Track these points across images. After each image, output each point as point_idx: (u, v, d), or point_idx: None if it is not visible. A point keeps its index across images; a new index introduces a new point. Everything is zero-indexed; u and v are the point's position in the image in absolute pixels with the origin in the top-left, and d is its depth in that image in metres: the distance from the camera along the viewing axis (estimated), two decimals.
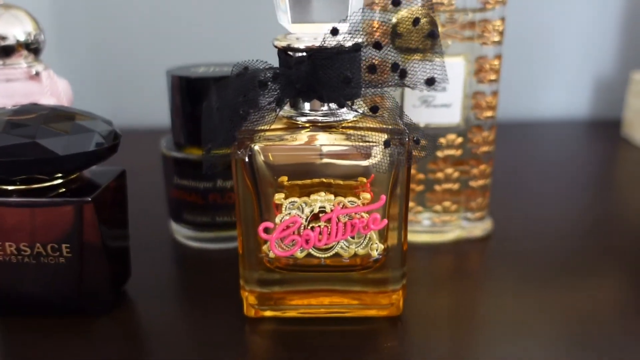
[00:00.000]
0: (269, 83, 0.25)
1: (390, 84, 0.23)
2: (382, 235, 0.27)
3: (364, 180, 0.27)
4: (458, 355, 0.27)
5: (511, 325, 0.28)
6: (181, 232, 0.37)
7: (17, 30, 0.34)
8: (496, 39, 0.33)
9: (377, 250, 0.27)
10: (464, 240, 0.37)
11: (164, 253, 0.36)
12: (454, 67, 0.33)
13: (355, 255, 0.27)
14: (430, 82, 0.23)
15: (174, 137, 0.37)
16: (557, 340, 0.27)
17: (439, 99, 0.34)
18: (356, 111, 0.25)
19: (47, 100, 0.35)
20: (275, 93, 0.25)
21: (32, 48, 0.35)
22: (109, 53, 0.63)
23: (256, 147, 0.26)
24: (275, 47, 0.26)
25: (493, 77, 0.34)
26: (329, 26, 0.24)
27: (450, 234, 0.37)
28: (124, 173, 0.30)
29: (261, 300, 0.29)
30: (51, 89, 0.35)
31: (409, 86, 0.23)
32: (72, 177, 0.28)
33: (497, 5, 0.33)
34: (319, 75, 0.25)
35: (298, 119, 0.27)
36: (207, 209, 0.36)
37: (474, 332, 0.28)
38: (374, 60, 0.24)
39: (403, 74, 0.23)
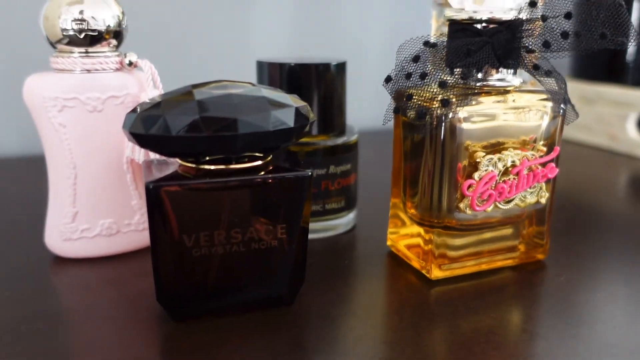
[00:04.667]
0: (476, 50, 0.28)
1: (587, 47, 0.28)
2: (547, 184, 0.31)
3: (526, 139, 0.31)
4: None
5: None
6: None
7: (106, 14, 0.31)
8: None
9: (544, 197, 0.31)
10: None
11: None
12: None
13: (529, 204, 0.31)
14: (621, 42, 0.28)
15: None
16: None
17: None
18: (544, 72, 0.29)
19: (152, 93, 0.31)
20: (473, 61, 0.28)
21: (120, 36, 0.32)
22: None
23: (455, 114, 0.28)
24: (456, 21, 0.29)
25: None
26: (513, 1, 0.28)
27: None
28: (296, 154, 0.30)
29: (449, 261, 0.30)
30: (154, 81, 0.32)
31: (610, 46, 0.28)
32: (268, 158, 0.27)
33: None
34: (517, 43, 0.28)
35: (474, 84, 0.29)
36: (318, 197, 0.36)
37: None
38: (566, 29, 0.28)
39: (604, 35, 0.28)
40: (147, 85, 0.32)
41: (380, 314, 0.28)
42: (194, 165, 0.25)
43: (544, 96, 0.30)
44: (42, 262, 0.32)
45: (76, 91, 0.30)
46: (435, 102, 0.28)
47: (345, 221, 0.38)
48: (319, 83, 0.35)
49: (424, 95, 0.28)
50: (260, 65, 0.36)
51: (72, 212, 0.32)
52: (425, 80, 0.29)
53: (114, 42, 0.31)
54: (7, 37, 0.55)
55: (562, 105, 0.30)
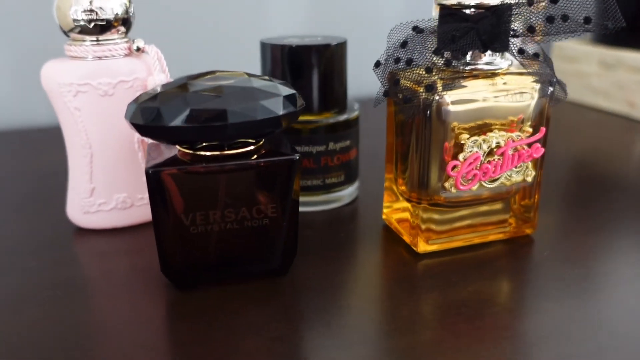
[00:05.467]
0: (460, 36, 0.29)
1: (572, 31, 0.29)
2: (534, 164, 0.33)
3: (514, 119, 0.32)
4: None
5: None
6: None
7: (114, 3, 0.33)
8: None
9: (531, 176, 0.32)
10: None
11: None
12: None
13: (515, 183, 0.32)
14: (605, 26, 0.28)
15: None
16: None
17: None
18: (530, 55, 0.30)
19: (158, 76, 0.33)
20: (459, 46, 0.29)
21: (128, 23, 0.34)
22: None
23: (445, 96, 0.29)
24: (445, 5, 0.30)
25: None
26: None
27: None
28: (288, 136, 0.31)
29: (436, 235, 0.32)
30: (161, 65, 0.34)
31: (591, 30, 0.29)
32: (261, 142, 0.29)
33: None
34: (502, 28, 0.29)
35: (462, 68, 0.30)
36: (318, 172, 0.38)
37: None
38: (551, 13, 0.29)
39: (588, 20, 0.28)
40: (154, 70, 0.34)
41: (366, 286, 0.30)
42: (190, 151, 0.27)
43: (533, 78, 0.31)
44: (66, 233, 0.36)
45: (89, 77, 0.32)
46: (421, 87, 0.29)
47: (346, 194, 0.40)
48: (319, 63, 0.37)
49: (412, 79, 0.30)
50: (264, 46, 0.37)
51: (90, 187, 0.35)
52: (412, 66, 0.30)
53: (122, 29, 0.33)
54: (36, 14, 0.57)
55: (549, 87, 0.31)
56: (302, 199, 0.38)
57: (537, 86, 0.31)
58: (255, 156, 0.28)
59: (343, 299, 0.29)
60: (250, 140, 0.28)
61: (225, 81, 0.27)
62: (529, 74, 0.31)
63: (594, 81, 0.65)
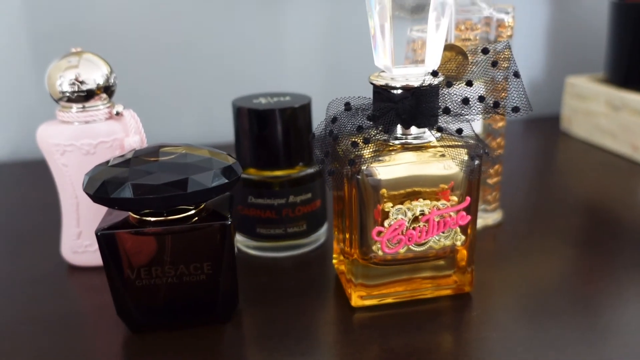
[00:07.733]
0: (380, 116, 0.31)
1: (486, 112, 0.31)
2: (463, 229, 0.35)
3: (445, 186, 0.34)
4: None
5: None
6: (248, 244, 0.42)
7: (97, 74, 0.38)
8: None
9: (460, 240, 0.34)
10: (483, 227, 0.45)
11: (242, 264, 0.41)
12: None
13: (444, 246, 0.34)
14: (515, 110, 0.30)
15: (240, 160, 0.42)
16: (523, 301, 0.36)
17: None
18: (453, 133, 0.32)
19: (133, 138, 0.38)
20: (381, 123, 0.32)
21: (110, 90, 0.39)
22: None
23: (369, 168, 0.32)
24: (375, 85, 0.33)
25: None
26: (425, 69, 0.31)
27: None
28: (232, 197, 0.35)
29: (367, 291, 0.35)
30: (135, 127, 0.38)
31: (500, 114, 0.31)
32: (201, 206, 0.33)
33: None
34: (421, 108, 0.31)
35: (392, 142, 0.33)
36: (279, 223, 0.41)
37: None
38: (466, 94, 0.31)
39: (496, 104, 0.30)
40: (130, 131, 0.38)
41: (297, 339, 0.33)
42: (137, 216, 0.32)
43: (461, 150, 0.33)
44: (60, 269, 0.41)
45: (73, 139, 0.38)
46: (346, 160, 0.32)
47: (311, 240, 0.43)
48: (283, 124, 0.40)
49: (343, 151, 0.33)
50: (234, 106, 0.41)
51: (77, 231, 0.40)
52: (339, 141, 0.33)
53: (104, 95, 0.38)
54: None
55: (473, 161, 0.33)
56: (266, 244, 0.42)
57: (465, 158, 0.33)
58: (196, 218, 0.32)
59: (267, 349, 0.32)
60: (189, 207, 0.32)
61: (165, 157, 0.31)
62: (457, 146, 0.33)
63: (602, 121, 0.64)
